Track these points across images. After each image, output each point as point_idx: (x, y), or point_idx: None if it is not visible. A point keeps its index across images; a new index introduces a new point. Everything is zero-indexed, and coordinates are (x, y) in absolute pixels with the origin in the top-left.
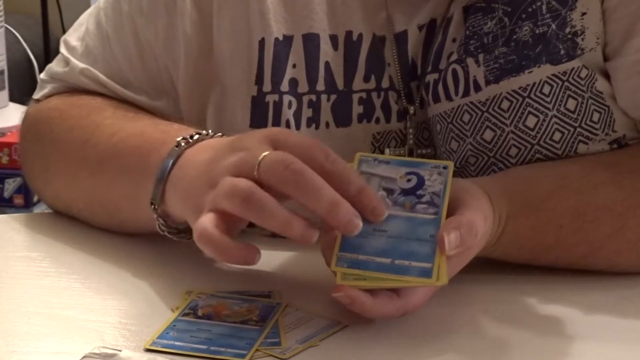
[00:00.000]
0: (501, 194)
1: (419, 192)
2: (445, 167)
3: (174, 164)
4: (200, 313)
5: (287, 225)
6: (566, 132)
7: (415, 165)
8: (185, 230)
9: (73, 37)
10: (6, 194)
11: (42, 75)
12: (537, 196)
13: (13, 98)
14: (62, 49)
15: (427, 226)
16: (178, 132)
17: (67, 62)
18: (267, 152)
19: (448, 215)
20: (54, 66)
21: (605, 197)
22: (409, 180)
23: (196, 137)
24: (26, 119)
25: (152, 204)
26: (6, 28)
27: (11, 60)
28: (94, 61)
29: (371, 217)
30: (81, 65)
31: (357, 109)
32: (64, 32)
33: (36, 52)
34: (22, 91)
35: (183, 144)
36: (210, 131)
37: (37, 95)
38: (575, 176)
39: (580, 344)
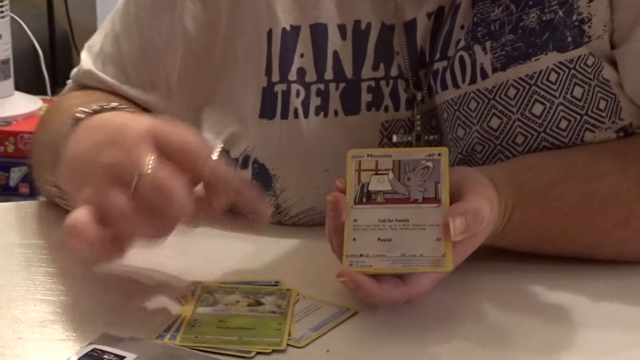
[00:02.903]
0: (507, 182)
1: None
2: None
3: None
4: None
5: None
6: (573, 120)
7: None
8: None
9: (95, 39)
10: (12, 183)
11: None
12: (543, 185)
13: (18, 87)
14: (84, 50)
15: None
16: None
17: (81, 62)
18: (148, 166)
19: (453, 202)
20: (76, 68)
21: (612, 186)
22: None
23: (96, 107)
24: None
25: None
26: (11, 17)
27: (16, 49)
28: (105, 61)
29: (257, 216)
30: (85, 67)
31: (365, 97)
32: (69, 21)
33: (41, 42)
34: (27, 80)
35: (82, 115)
36: (113, 104)
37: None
38: (582, 165)
39: (585, 332)
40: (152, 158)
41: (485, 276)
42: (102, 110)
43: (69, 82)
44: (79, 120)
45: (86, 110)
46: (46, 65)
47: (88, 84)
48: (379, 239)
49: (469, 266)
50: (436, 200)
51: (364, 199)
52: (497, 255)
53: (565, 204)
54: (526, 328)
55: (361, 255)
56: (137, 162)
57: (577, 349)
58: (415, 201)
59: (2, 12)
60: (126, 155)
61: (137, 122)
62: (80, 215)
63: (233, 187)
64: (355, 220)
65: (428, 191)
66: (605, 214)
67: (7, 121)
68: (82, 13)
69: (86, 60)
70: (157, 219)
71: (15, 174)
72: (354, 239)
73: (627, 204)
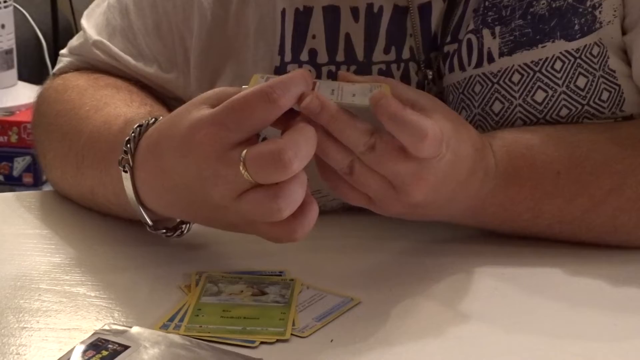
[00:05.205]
0: (494, 139)
1: None
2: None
3: (135, 187)
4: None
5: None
6: (573, 109)
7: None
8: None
9: (95, 11)
10: (15, 173)
11: (63, 50)
12: (532, 142)
13: (22, 77)
14: (83, 21)
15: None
16: (119, 137)
17: (83, 34)
18: (244, 153)
19: None
20: (73, 40)
21: (604, 153)
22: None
23: (129, 144)
24: (38, 95)
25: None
26: (15, 7)
27: (20, 39)
28: (112, 33)
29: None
30: (95, 37)
31: None
32: (73, 11)
33: (45, 31)
34: (30, 70)
35: (125, 166)
36: (140, 126)
37: (55, 69)
38: (573, 133)
39: (610, 316)
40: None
41: (494, 262)
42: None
43: (65, 52)
44: (126, 166)
45: (125, 156)
46: (49, 55)
47: (95, 59)
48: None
49: (477, 252)
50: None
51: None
52: (513, 240)
53: (555, 161)
54: (541, 313)
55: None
56: (236, 171)
57: (595, 333)
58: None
59: (5, 1)
60: (223, 170)
61: (186, 123)
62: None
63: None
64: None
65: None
66: (599, 178)
67: (11, 111)
68: (86, 3)
69: (90, 31)
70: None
71: (19, 164)
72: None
73: (620, 173)
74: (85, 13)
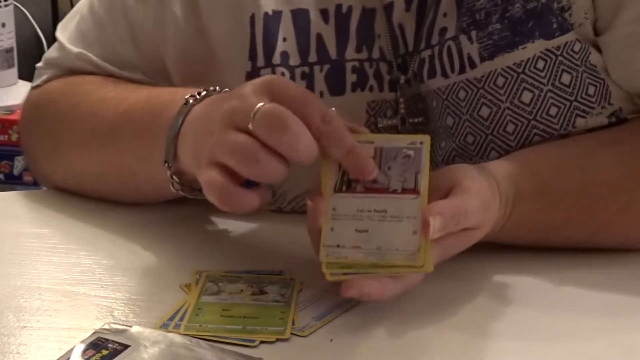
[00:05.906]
0: (507, 178)
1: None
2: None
3: (183, 120)
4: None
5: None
6: (562, 106)
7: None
8: (199, 188)
9: (69, 25)
10: (16, 172)
11: (39, 64)
12: (542, 179)
13: (22, 76)
14: (58, 35)
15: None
16: (186, 92)
17: (61, 48)
18: (262, 104)
19: (442, 196)
20: (50, 53)
21: (610, 174)
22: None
23: (204, 93)
24: (27, 103)
25: (165, 162)
26: (15, 5)
27: (20, 37)
28: (88, 45)
29: (360, 176)
30: (75, 49)
31: (350, 77)
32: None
33: (45, 30)
34: (31, 69)
35: (191, 100)
36: (217, 87)
37: (35, 83)
38: (579, 156)
39: (591, 322)
40: (266, 102)
41: (495, 263)
42: (209, 93)
43: (42, 65)
44: (188, 105)
45: (195, 95)
46: None
47: (76, 68)
48: (356, 229)
49: (473, 257)
50: (415, 191)
51: (344, 187)
52: (500, 247)
53: (565, 196)
54: (541, 313)
55: (338, 245)
56: (252, 106)
57: (596, 333)
58: (395, 191)
59: (5, 0)
60: (242, 102)
61: (251, 81)
62: (214, 173)
63: (346, 143)
64: (334, 209)
65: (407, 181)
66: (606, 202)
67: (11, 110)
68: None
69: (68, 45)
70: (276, 151)
71: (19, 163)
72: (332, 229)
73: (627, 191)
74: (59, 27)
